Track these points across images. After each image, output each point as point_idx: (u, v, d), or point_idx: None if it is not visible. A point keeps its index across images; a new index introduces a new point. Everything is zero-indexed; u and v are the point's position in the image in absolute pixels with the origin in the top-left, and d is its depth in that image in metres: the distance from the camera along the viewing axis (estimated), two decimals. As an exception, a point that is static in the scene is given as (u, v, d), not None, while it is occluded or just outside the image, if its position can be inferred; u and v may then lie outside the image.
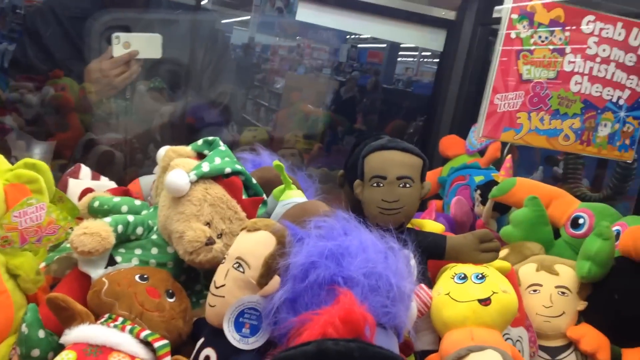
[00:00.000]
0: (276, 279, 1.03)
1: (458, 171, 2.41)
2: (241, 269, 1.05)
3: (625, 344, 1.43)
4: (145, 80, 2.79)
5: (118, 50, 2.12)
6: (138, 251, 1.20)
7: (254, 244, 1.07)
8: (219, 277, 1.07)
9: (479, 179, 2.25)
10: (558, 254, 1.65)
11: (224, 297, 1.05)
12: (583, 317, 1.49)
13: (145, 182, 1.69)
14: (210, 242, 1.14)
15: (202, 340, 1.08)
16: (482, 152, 2.34)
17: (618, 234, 1.55)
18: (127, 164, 2.59)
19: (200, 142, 1.37)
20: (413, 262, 1.24)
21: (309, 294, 0.98)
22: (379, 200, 1.36)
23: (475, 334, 1.21)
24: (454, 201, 2.23)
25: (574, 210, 1.72)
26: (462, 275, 1.31)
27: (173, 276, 1.18)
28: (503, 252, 1.70)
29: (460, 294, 1.27)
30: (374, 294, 1.00)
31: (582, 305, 1.48)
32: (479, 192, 2.15)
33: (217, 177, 1.21)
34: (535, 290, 1.50)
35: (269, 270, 1.04)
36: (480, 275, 1.30)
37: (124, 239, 1.20)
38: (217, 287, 1.06)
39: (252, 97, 4.06)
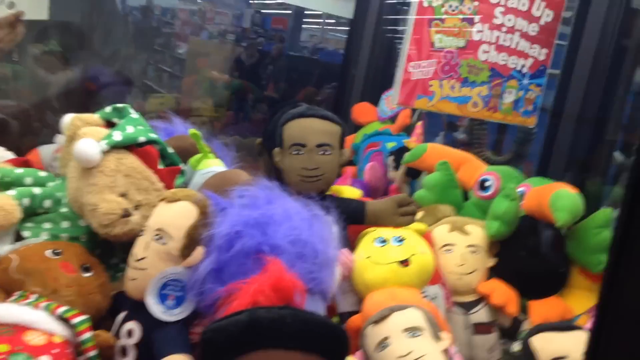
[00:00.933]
0: (199, 250, 1.01)
1: (370, 138, 2.45)
2: (162, 241, 1.02)
3: (531, 297, 1.53)
4: (38, 43, 2.60)
5: (1, 10, 1.95)
6: (47, 225, 1.12)
7: (175, 215, 1.03)
8: (138, 250, 1.03)
9: (391, 145, 2.30)
10: (467, 215, 1.73)
11: (145, 269, 1.01)
12: (493, 273, 1.58)
13: (45, 151, 1.58)
14: (126, 214, 1.09)
15: (123, 314, 1.04)
16: (393, 119, 2.40)
17: (522, 194, 1.64)
18: (23, 133, 2.41)
19: (108, 109, 1.29)
20: (335, 228, 1.26)
21: (235, 264, 0.97)
22: (300, 168, 1.35)
23: (397, 294, 1.25)
24: (368, 167, 2.27)
25: (482, 173, 1.80)
26: (382, 239, 1.34)
27: (88, 250, 1.11)
28: (418, 215, 1.75)
29: (381, 256, 1.30)
30: (301, 261, 1.00)
31: (491, 262, 1.56)
32: (392, 157, 2.21)
33: (130, 146, 1.15)
34: (448, 250, 1.56)
35: (191, 241, 1.01)
36: (399, 238, 1.33)
37: (31, 213, 1.12)
38: (137, 260, 1.02)
39: (153, 63, 3.88)
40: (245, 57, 3.70)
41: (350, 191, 1.70)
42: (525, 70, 1.70)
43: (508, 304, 1.50)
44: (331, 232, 1.11)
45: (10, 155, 1.60)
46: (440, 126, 2.91)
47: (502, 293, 1.51)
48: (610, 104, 1.75)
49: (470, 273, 1.54)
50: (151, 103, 3.55)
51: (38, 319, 0.93)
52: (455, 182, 1.78)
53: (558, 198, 1.45)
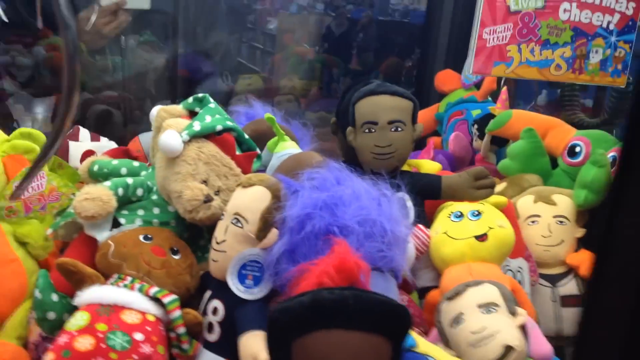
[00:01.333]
0: (274, 232, 1.06)
1: (455, 106, 2.40)
2: (240, 224, 1.08)
3: (622, 267, 1.46)
4: (135, 34, 2.76)
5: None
6: (140, 212, 1.23)
7: (250, 199, 1.09)
8: (219, 233, 1.10)
9: (476, 113, 2.24)
10: (556, 184, 1.67)
11: (225, 251, 1.08)
12: (582, 244, 1.52)
13: (145, 139, 1.70)
14: (208, 199, 1.16)
15: (209, 293, 1.12)
16: (478, 85, 2.33)
17: (614, 160, 1.55)
18: (126, 122, 2.60)
19: (190, 99, 1.37)
20: (409, 204, 1.27)
21: (306, 245, 1.01)
22: (372, 145, 1.37)
23: (474, 269, 1.25)
24: (452, 137, 2.23)
25: (571, 138, 1.72)
26: (459, 214, 1.33)
27: (177, 234, 1.21)
28: (501, 186, 1.72)
29: (457, 231, 1.30)
30: (369, 240, 1.03)
31: (580, 232, 1.51)
32: (476, 126, 2.15)
33: (209, 135, 1.22)
34: (533, 221, 1.53)
35: (266, 223, 1.07)
36: (476, 212, 1.32)
37: (126, 201, 1.22)
38: (218, 243, 1.10)
39: (246, 41, 3.98)
40: (335, 27, 3.67)
41: (429, 165, 1.69)
42: (611, 26, 1.59)
43: (598, 276, 1.44)
44: (403, 209, 1.13)
45: (113, 144, 1.74)
46: (534, 89, 2.79)
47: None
48: None
49: (557, 245, 1.50)
50: (240, 84, 3.67)
51: (133, 300, 1.03)
52: (542, 150, 1.71)
53: (650, 164, 1.37)
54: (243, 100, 3.77)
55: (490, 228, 1.28)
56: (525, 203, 1.56)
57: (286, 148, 1.38)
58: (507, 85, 2.08)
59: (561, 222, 1.51)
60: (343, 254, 0.87)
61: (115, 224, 1.20)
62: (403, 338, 0.82)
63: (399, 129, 1.37)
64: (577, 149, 1.69)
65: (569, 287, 1.47)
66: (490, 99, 2.26)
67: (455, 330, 1.08)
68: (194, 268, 1.16)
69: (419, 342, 0.89)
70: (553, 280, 1.48)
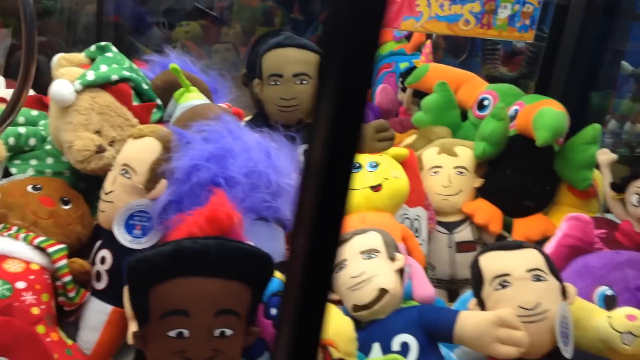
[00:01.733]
0: (163, 183, 1.07)
1: (385, 59, 2.41)
2: (128, 175, 1.09)
3: (516, 215, 1.54)
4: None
5: None
6: (33, 162, 1.22)
7: (140, 150, 1.10)
8: (107, 184, 1.11)
9: (404, 65, 2.26)
10: (465, 136, 1.72)
11: (113, 202, 1.09)
12: (480, 193, 1.59)
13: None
14: (100, 150, 1.16)
15: (99, 242, 1.14)
16: (408, 38, 2.34)
17: (516, 113, 1.61)
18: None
19: (92, 47, 1.34)
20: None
21: (192, 196, 1.03)
22: (277, 98, 1.38)
23: (367, 218, 1.30)
24: (379, 89, 2.26)
25: (481, 92, 1.77)
26: (358, 165, 1.37)
27: (71, 184, 1.21)
28: (411, 138, 1.76)
29: (355, 182, 1.34)
30: (255, 191, 1.05)
31: (478, 182, 1.57)
32: (401, 79, 2.18)
33: (105, 84, 1.21)
34: (435, 172, 1.58)
35: (155, 175, 1.08)
36: (374, 164, 1.36)
37: (18, 151, 1.21)
38: (106, 194, 1.11)
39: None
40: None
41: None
42: (521, -18, 1.62)
43: (491, 223, 1.52)
44: (295, 161, 1.15)
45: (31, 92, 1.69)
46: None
47: (486, 212, 1.53)
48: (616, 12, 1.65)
49: (456, 194, 1.56)
50: (177, 32, 3.58)
51: (16, 249, 1.04)
52: (454, 103, 1.76)
53: (540, 116, 1.43)
54: (179, 48, 3.68)
55: (386, 179, 1.33)
56: (429, 154, 1.61)
57: (191, 99, 1.38)
58: (430, 40, 2.10)
59: (461, 172, 1.57)
60: (216, 204, 0.89)
61: (6, 174, 1.19)
62: (264, 284, 0.86)
63: (304, 82, 1.39)
64: (486, 102, 1.74)
65: (464, 233, 1.54)
66: (419, 52, 2.28)
67: (338, 275, 1.13)
68: (86, 218, 1.17)
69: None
70: (450, 227, 1.55)
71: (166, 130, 1.13)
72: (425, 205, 1.52)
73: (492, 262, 1.06)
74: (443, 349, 1.18)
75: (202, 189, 1.03)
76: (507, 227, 1.55)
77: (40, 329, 1.02)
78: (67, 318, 1.11)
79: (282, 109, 1.38)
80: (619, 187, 1.26)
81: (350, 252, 1.14)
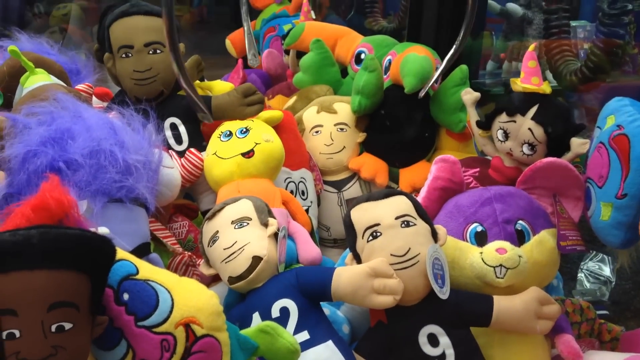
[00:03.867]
0: (1, 175, 0.98)
1: (268, 22, 2.34)
2: (-42, 171, 0.99)
3: (400, 165, 1.54)
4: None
5: None
6: None
7: (-31, 142, 1.00)
8: (-62, 183, 1.01)
9: (287, 27, 2.20)
10: (347, 92, 1.69)
11: (-55, 202, 0.99)
12: (364, 147, 1.57)
13: None
14: None
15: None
16: (291, -1, 2.28)
17: (390, 63, 1.59)
18: None
19: None
20: (182, 129, 1.24)
21: (31, 185, 0.95)
22: (131, 71, 1.29)
23: (242, 186, 1.25)
24: (265, 54, 2.19)
25: (357, 46, 1.74)
26: (228, 133, 1.32)
27: None
28: (291, 100, 1.72)
29: (226, 151, 1.29)
30: (102, 172, 0.98)
31: (361, 137, 1.55)
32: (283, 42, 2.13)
33: None
34: (317, 132, 1.55)
35: (-11, 167, 0.98)
36: (244, 130, 1.31)
37: None
38: (-62, 195, 1.00)
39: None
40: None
41: (221, 85, 1.65)
42: None
43: (377, 175, 1.51)
44: (147, 137, 1.08)
45: None
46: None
47: (371, 166, 1.52)
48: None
49: (339, 151, 1.54)
50: (54, 16, 3.36)
51: None
52: (331, 60, 1.72)
53: (406, 63, 1.42)
54: (57, 33, 3.46)
55: (257, 143, 1.28)
56: (309, 114, 1.57)
57: (36, 82, 1.27)
58: (307, -4, 2.05)
59: (342, 129, 1.54)
60: (45, 191, 0.81)
61: None
62: (104, 270, 0.80)
63: (158, 51, 1.30)
64: (362, 56, 1.71)
65: (353, 190, 1.53)
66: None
67: (211, 249, 1.08)
68: None
69: (141, 267, 0.88)
70: (338, 185, 1.54)
71: (-1, 117, 1.03)
72: (310, 167, 1.49)
73: (362, 214, 1.04)
74: (330, 308, 1.17)
75: (40, 176, 0.94)
76: (395, 178, 1.55)
77: None
78: None
79: (138, 82, 1.30)
80: (485, 124, 1.26)
81: (222, 223, 1.09)
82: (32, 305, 0.71)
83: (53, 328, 0.72)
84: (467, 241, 1.09)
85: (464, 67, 1.45)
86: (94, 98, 1.44)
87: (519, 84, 1.21)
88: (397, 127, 1.51)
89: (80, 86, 1.46)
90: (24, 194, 0.95)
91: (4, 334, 0.71)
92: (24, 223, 0.78)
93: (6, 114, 1.04)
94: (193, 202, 1.39)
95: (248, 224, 1.08)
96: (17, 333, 0.71)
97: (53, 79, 1.32)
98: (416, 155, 1.53)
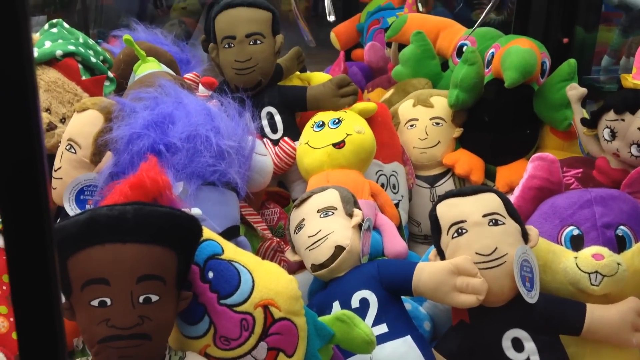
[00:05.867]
0: (108, 155, 1.06)
1: (373, 15, 2.34)
2: (73, 150, 1.08)
3: (498, 162, 1.48)
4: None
5: None
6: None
7: (83, 124, 1.08)
8: (56, 161, 1.11)
9: (391, 20, 2.19)
10: (446, 86, 1.65)
11: (61, 178, 1.09)
12: (460, 143, 1.53)
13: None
14: (51, 127, 1.16)
15: (58, 221, 1.13)
16: (397, -9, 2.26)
17: (493, 56, 1.53)
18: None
19: (46, 26, 1.33)
20: (277, 118, 1.28)
21: (134, 165, 1.01)
22: (232, 61, 1.34)
23: (331, 177, 1.26)
24: (367, 47, 2.20)
25: (459, 38, 1.69)
26: (320, 123, 1.33)
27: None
28: (388, 93, 1.71)
29: (317, 140, 1.30)
30: (198, 156, 1.03)
31: (457, 132, 1.51)
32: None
33: (51, 61, 1.20)
34: (412, 125, 1.53)
35: (99, 147, 1.07)
36: (336, 120, 1.32)
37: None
38: (55, 171, 1.10)
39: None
40: None
41: (320, 77, 1.67)
42: None
43: (473, 172, 1.46)
44: (241, 125, 1.12)
45: None
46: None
47: (466, 162, 1.48)
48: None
49: (433, 146, 1.51)
50: (174, 9, 3.56)
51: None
52: (431, 52, 1.69)
53: (508, 56, 1.36)
54: (176, 25, 3.65)
55: (348, 135, 1.29)
56: (405, 108, 1.56)
57: (146, 69, 1.36)
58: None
59: (437, 123, 1.51)
60: (142, 171, 0.87)
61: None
62: (191, 248, 0.84)
63: (258, 42, 1.34)
64: (464, 49, 1.66)
65: (446, 186, 1.49)
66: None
67: (296, 236, 1.10)
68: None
69: (226, 248, 0.91)
70: (431, 181, 1.51)
71: (108, 102, 1.11)
72: (403, 160, 1.48)
73: (448, 209, 1.02)
74: (412, 304, 1.15)
75: (142, 157, 1.01)
76: (492, 175, 1.50)
77: (2, 309, 1.03)
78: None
79: (238, 72, 1.35)
80: (590, 122, 1.18)
81: (308, 211, 1.11)
82: (123, 276, 0.77)
83: (141, 299, 0.77)
84: (561, 245, 1.03)
85: (572, 61, 1.36)
86: (200, 86, 1.51)
87: (630, 80, 1.12)
88: (497, 123, 1.46)
89: (188, 75, 1.54)
90: (127, 173, 1.02)
91: (96, 301, 0.77)
92: (122, 199, 0.84)
93: (116, 98, 1.12)
94: (286, 190, 1.42)
95: (333, 213, 1.09)
96: (108, 301, 0.77)
97: (163, 67, 1.41)
98: (516, 153, 1.47)
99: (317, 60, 2.48)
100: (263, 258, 1.07)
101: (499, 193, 1.03)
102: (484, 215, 0.99)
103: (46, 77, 1.18)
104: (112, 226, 0.77)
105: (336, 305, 1.03)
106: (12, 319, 1.03)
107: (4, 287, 1.05)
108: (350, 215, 1.09)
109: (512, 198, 1.12)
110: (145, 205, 0.81)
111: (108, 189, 0.93)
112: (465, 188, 1.04)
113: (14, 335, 1.02)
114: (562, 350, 0.97)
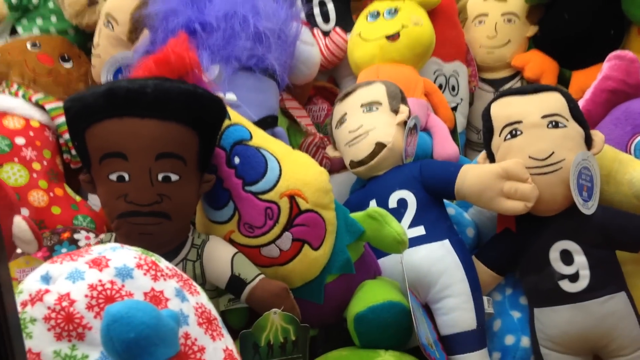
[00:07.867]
0: (145, 33, 1.02)
1: None
2: (110, 26, 1.05)
3: (575, 66, 1.33)
4: None
5: None
6: (39, 21, 1.21)
7: (122, -2, 1.04)
8: (95, 37, 1.08)
9: None
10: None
11: (100, 56, 1.06)
12: (534, 43, 1.38)
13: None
14: (92, 2, 1.12)
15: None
16: None
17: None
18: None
19: None
20: (330, 6, 1.20)
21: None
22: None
23: (381, 71, 1.17)
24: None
25: None
26: (375, 13, 1.23)
27: (76, 42, 1.19)
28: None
29: (370, 32, 1.20)
30: (235, 37, 0.97)
31: (532, 30, 1.36)
32: None
33: None
34: (480, 22, 1.39)
35: (136, 24, 1.02)
36: (393, 10, 1.21)
37: (24, 9, 1.20)
38: (94, 47, 1.07)
39: None
40: None
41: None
42: None
43: (543, 76, 1.33)
44: (285, 8, 1.04)
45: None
46: None
47: (538, 64, 1.34)
48: None
49: (503, 45, 1.37)
50: None
51: (15, 105, 1.05)
52: None
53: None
54: None
55: (404, 26, 1.18)
56: (475, 1, 1.41)
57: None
58: None
59: (510, 20, 1.37)
60: (169, 46, 0.82)
61: (14, 33, 1.20)
62: (214, 129, 0.79)
63: None
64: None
65: (513, 90, 1.36)
66: None
67: (337, 131, 1.04)
68: (90, 76, 1.15)
69: (255, 134, 0.86)
70: (496, 84, 1.39)
71: (149, -23, 1.05)
72: (467, 61, 1.35)
73: (504, 108, 0.92)
74: (456, 209, 1.08)
75: (177, 35, 0.96)
76: (566, 81, 1.35)
77: (42, 183, 1.05)
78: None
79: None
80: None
81: (351, 105, 1.04)
82: (141, 151, 0.74)
83: (160, 177, 0.75)
84: (630, 154, 0.92)
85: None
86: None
87: None
88: (577, 21, 1.30)
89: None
90: (162, 52, 0.98)
91: (114, 175, 0.75)
92: (146, 74, 0.80)
93: (156, -25, 1.06)
94: (336, 85, 1.35)
95: (377, 109, 1.02)
96: (126, 176, 0.75)
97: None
98: (595, 55, 1.30)
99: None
100: (305, 153, 1.03)
101: (564, 93, 0.91)
102: (544, 117, 0.88)
103: (88, -50, 1.13)
104: (131, 99, 0.74)
105: (372, 203, 0.98)
106: (51, 194, 1.05)
107: (45, 162, 1.06)
108: (395, 111, 1.02)
109: (581, 102, 1.00)
110: (167, 81, 0.77)
111: (136, 64, 0.90)
112: (526, 86, 0.95)
113: (53, 210, 1.04)
114: (617, 267, 0.88)
